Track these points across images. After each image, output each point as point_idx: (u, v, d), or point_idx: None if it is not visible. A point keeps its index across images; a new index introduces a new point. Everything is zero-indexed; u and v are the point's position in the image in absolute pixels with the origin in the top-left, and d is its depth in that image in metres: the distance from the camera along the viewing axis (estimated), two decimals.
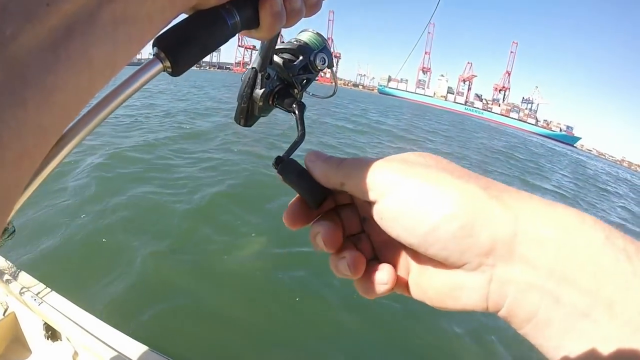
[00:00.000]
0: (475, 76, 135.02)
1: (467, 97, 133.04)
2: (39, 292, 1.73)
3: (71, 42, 0.22)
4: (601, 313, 0.27)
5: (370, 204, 0.36)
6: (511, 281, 0.30)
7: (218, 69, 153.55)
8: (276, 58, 0.53)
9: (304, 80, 0.55)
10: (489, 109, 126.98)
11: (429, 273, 0.36)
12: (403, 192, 0.33)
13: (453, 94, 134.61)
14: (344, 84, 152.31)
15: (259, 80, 0.50)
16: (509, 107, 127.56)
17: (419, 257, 0.37)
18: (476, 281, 0.32)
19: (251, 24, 0.37)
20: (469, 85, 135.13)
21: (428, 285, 0.37)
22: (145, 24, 0.27)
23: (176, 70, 0.34)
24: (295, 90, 0.54)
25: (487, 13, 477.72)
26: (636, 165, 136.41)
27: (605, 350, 0.27)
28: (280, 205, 5.56)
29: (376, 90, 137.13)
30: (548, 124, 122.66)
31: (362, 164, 0.37)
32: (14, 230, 0.46)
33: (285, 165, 0.44)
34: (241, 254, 4.43)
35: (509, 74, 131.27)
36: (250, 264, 4.27)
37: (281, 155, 0.46)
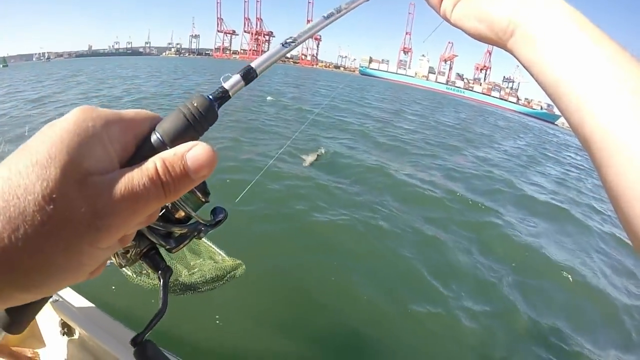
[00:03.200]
0: (457, 56, 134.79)
1: (448, 77, 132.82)
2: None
3: None
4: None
5: None
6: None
7: (198, 54, 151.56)
8: None
9: (176, 234, 0.49)
10: (470, 88, 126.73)
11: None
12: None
13: (434, 73, 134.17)
14: (325, 66, 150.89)
15: (116, 254, 0.49)
16: (490, 86, 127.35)
17: None
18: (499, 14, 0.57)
19: None
20: (450, 65, 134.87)
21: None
22: None
23: (17, 332, 0.42)
24: (167, 247, 0.49)
25: None
26: None
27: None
28: None
29: (357, 72, 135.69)
30: (529, 102, 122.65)
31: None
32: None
33: (141, 352, 0.46)
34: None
35: (490, 54, 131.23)
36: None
37: (139, 334, 0.47)
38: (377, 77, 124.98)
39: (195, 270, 1.88)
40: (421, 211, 6.52)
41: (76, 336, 1.78)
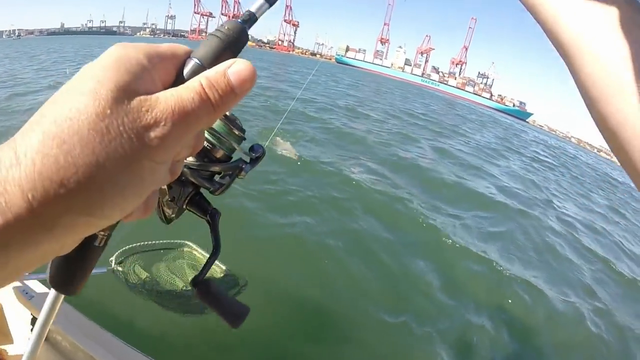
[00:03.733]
0: (433, 49, 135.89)
1: (424, 69, 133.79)
2: (31, 286, 1.75)
3: None
4: None
5: None
6: None
7: (173, 36, 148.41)
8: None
9: (219, 176, 0.51)
10: (445, 82, 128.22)
11: None
12: None
13: (410, 65, 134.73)
14: (302, 53, 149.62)
15: (164, 203, 0.50)
16: (465, 81, 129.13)
17: None
18: None
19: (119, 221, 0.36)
20: (427, 57, 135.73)
21: None
22: None
23: (73, 294, 0.40)
24: (212, 189, 0.51)
25: None
26: (585, 142, 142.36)
27: None
28: None
29: (334, 60, 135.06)
30: (502, 99, 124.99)
31: None
32: None
33: (203, 288, 0.49)
34: None
35: (466, 49, 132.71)
36: None
37: (197, 275, 0.50)
38: (353, 66, 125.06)
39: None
40: (370, 209, 6.17)
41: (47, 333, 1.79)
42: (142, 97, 0.29)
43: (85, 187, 0.27)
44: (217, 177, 0.49)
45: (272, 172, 6.76)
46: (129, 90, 0.29)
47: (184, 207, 0.50)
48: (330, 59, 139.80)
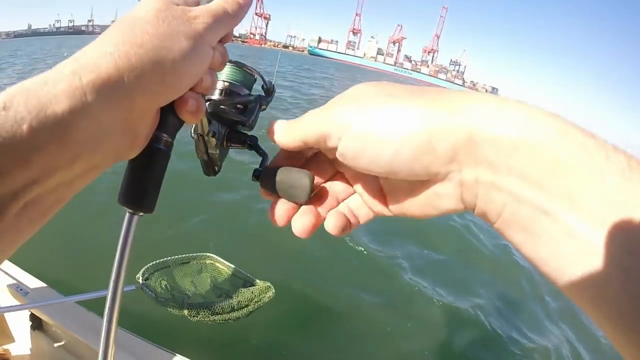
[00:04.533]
0: (405, 38, 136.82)
1: (396, 59, 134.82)
2: (25, 282, 1.77)
3: None
4: (560, 207, 0.26)
5: (333, 149, 0.37)
6: (478, 182, 0.30)
7: None
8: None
9: (246, 109, 0.55)
10: (417, 70, 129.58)
11: (405, 192, 0.37)
12: (356, 130, 0.34)
13: (383, 55, 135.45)
14: (274, 46, 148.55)
15: (208, 140, 0.53)
16: (438, 69, 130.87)
17: (391, 180, 0.38)
18: (449, 188, 0.33)
19: (179, 127, 0.42)
20: (399, 47, 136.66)
21: (408, 203, 0.38)
22: (56, 202, 0.30)
23: (147, 211, 0.40)
24: (245, 120, 0.54)
25: None
26: None
27: (568, 246, 0.26)
28: None
29: (306, 52, 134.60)
30: (474, 85, 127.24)
31: (314, 118, 0.38)
32: None
33: (264, 174, 0.48)
34: None
35: (438, 37, 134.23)
36: None
37: (257, 167, 0.50)
38: (326, 57, 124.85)
39: (230, 299, 1.91)
40: None
41: (46, 329, 1.76)
42: (184, 5, 0.39)
43: (158, 48, 0.35)
44: (243, 108, 0.54)
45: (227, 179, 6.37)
46: (174, 1, 0.39)
47: (225, 145, 0.54)
48: (303, 51, 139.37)
